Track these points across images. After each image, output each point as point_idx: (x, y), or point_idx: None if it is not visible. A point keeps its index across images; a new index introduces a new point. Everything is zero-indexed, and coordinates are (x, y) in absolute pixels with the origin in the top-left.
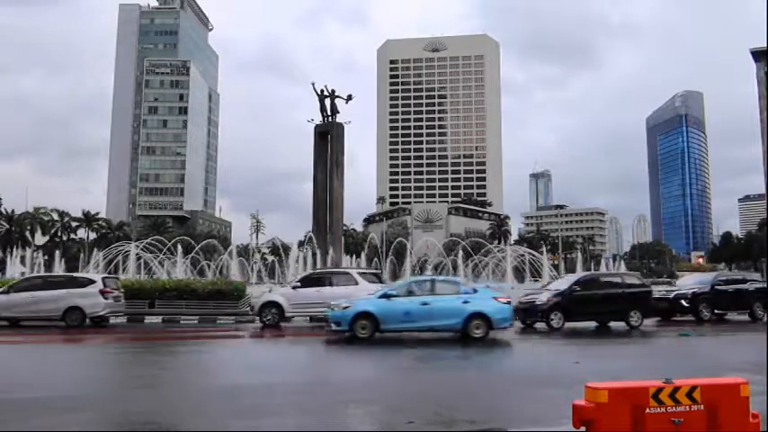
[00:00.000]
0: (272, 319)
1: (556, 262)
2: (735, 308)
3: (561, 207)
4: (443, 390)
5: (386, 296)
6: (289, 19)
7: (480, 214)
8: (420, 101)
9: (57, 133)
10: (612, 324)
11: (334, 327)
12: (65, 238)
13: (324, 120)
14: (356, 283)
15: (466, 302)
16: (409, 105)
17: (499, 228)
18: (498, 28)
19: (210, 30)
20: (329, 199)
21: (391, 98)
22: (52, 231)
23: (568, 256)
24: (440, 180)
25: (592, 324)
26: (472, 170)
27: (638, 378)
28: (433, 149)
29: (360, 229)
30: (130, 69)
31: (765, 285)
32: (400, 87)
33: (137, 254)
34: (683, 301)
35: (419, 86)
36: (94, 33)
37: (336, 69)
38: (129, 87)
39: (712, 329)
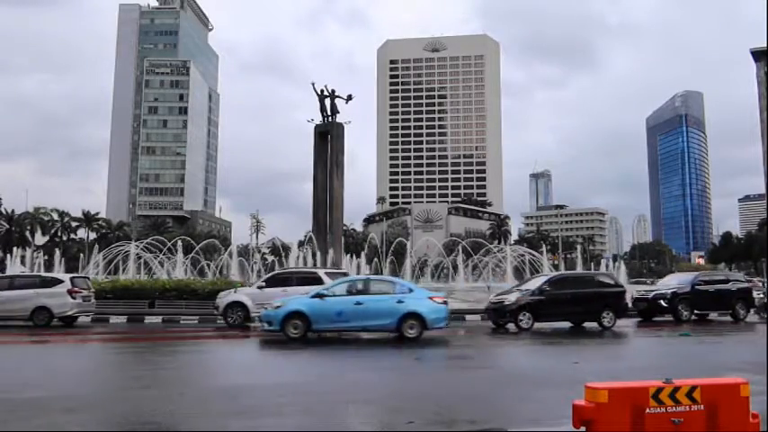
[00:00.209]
0: (237, 320)
1: (556, 262)
2: (716, 308)
3: (561, 207)
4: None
5: (319, 296)
6: (289, 19)
7: (480, 214)
8: (420, 101)
9: (57, 133)
10: (587, 324)
11: (265, 326)
12: (65, 238)
13: (324, 120)
14: (322, 283)
15: (400, 302)
16: (409, 105)
17: (499, 228)
18: (498, 28)
19: (210, 30)
20: (329, 199)
21: (391, 98)
22: (52, 231)
23: (568, 256)
24: (440, 180)
25: (566, 325)
26: (472, 170)
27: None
28: (433, 149)
29: (360, 229)
30: (130, 69)
31: (748, 285)
32: (400, 87)
33: (137, 254)
34: (662, 302)
35: (419, 86)
36: (95, 34)
37: (336, 69)
38: (129, 87)
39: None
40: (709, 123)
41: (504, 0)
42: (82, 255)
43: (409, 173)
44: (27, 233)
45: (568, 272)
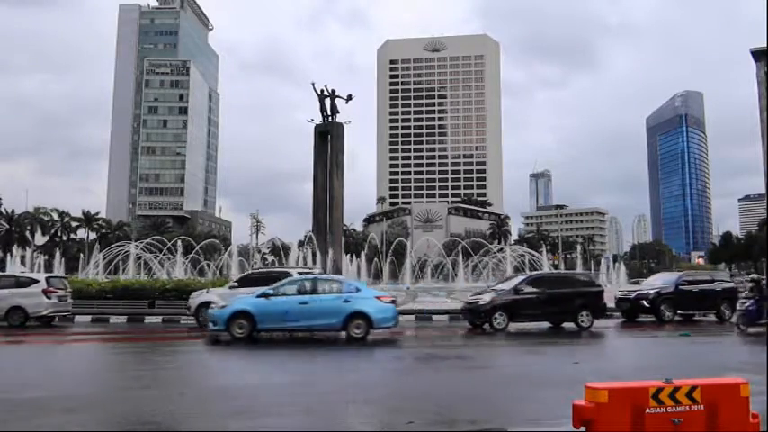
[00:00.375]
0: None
1: (556, 262)
2: (700, 308)
3: (561, 207)
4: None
5: (264, 295)
6: (289, 19)
7: (480, 214)
8: (420, 101)
9: (57, 133)
10: (566, 325)
11: (211, 326)
12: (65, 238)
13: (324, 120)
14: None
15: (346, 302)
16: (409, 105)
17: (499, 228)
18: (498, 28)
19: (210, 30)
20: (329, 199)
21: (391, 98)
22: (52, 231)
23: (568, 256)
24: (440, 180)
25: (544, 325)
26: (472, 170)
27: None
28: (433, 149)
29: (360, 229)
30: (130, 69)
31: (733, 286)
32: (400, 87)
33: (137, 254)
34: (644, 302)
35: (419, 86)
36: (95, 34)
37: (337, 69)
38: (129, 87)
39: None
40: (709, 123)
41: (504, 0)
42: (82, 255)
43: (409, 173)
44: (27, 233)
45: (545, 272)
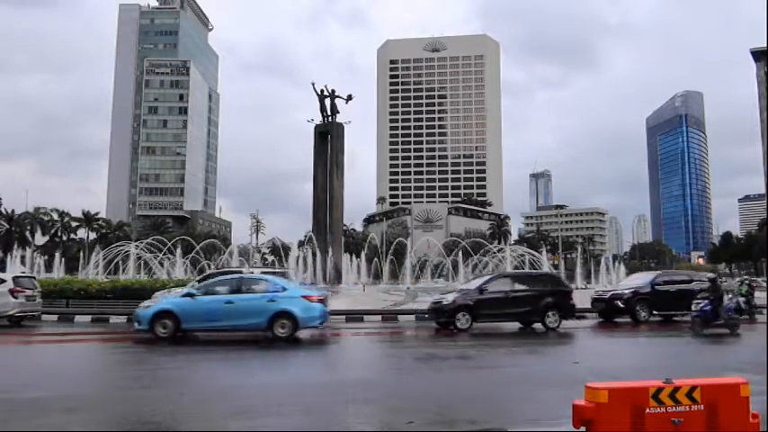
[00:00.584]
0: None
1: (556, 262)
2: (678, 308)
3: (561, 207)
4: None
5: (189, 295)
6: (289, 19)
7: (480, 214)
8: (420, 101)
9: (57, 133)
10: (537, 326)
11: (136, 326)
12: (65, 238)
13: (324, 120)
14: None
15: (272, 301)
16: (409, 105)
17: (499, 228)
18: (498, 28)
19: (210, 30)
20: (329, 199)
21: (391, 98)
22: (52, 231)
23: (568, 256)
24: (440, 180)
25: (514, 325)
26: (472, 170)
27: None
28: (433, 149)
29: (360, 229)
30: (130, 69)
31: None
32: (400, 87)
33: (137, 254)
34: (619, 302)
35: (419, 86)
36: (95, 34)
37: (337, 70)
38: (129, 87)
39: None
40: (709, 123)
41: (504, 0)
42: (82, 255)
43: (409, 173)
44: (27, 233)
45: (511, 271)
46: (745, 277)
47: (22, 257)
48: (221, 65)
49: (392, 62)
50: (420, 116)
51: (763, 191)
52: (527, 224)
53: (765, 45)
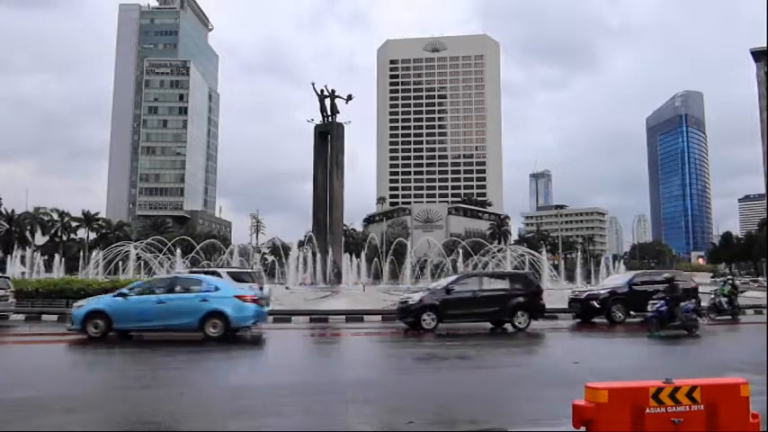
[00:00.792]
0: None
1: (556, 262)
2: None
3: (561, 207)
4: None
5: (121, 294)
6: (290, 20)
7: (480, 214)
8: (420, 101)
9: (57, 133)
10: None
11: (69, 325)
12: (65, 238)
13: (324, 120)
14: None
15: (204, 301)
16: (409, 105)
17: (499, 228)
18: (498, 28)
19: (210, 30)
20: (329, 199)
21: (391, 98)
22: (52, 231)
23: (568, 256)
24: (440, 180)
25: (485, 325)
26: (472, 170)
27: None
28: (433, 149)
29: (360, 229)
30: (130, 69)
31: (693, 286)
32: (400, 87)
33: (137, 254)
34: (594, 302)
35: (419, 86)
36: (95, 34)
37: (337, 70)
38: (129, 87)
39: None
40: (709, 123)
41: (504, 0)
42: (82, 255)
43: (409, 173)
44: (27, 233)
45: (480, 270)
46: (729, 277)
47: (22, 257)
48: (221, 65)
49: (392, 62)
50: (420, 116)
51: (763, 191)
52: (527, 224)
53: (765, 45)
